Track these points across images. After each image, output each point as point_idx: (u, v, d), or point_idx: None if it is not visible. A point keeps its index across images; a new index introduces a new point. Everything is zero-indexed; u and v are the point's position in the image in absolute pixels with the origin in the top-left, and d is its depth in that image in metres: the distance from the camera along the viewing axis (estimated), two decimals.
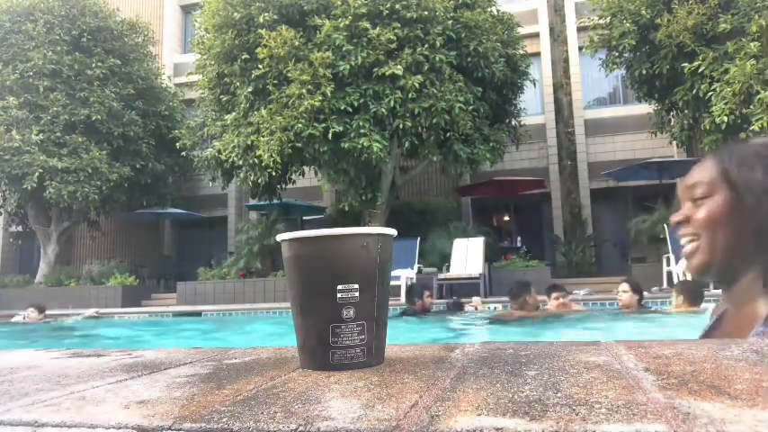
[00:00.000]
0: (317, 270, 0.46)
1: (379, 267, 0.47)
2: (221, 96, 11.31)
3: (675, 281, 8.35)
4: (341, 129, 9.74)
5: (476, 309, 7.23)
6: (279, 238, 0.49)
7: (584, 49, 13.07)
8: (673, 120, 11.53)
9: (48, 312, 8.69)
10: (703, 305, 4.96)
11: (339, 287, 0.45)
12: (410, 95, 9.74)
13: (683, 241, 1.02)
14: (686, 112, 10.50)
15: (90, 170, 12.81)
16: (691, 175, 1.04)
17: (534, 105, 14.83)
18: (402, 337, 5.42)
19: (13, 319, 8.77)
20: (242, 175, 10.95)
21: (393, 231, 0.51)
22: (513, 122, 12.68)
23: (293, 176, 12.38)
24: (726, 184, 0.95)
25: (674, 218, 1.02)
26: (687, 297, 4.99)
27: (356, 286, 0.45)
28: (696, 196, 1.00)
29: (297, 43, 9.90)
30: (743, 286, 0.92)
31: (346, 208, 11.19)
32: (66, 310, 10.39)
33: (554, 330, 5.32)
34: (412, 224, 12.15)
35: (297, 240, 0.46)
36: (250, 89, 10.40)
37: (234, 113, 10.72)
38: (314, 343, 0.45)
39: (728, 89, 8.81)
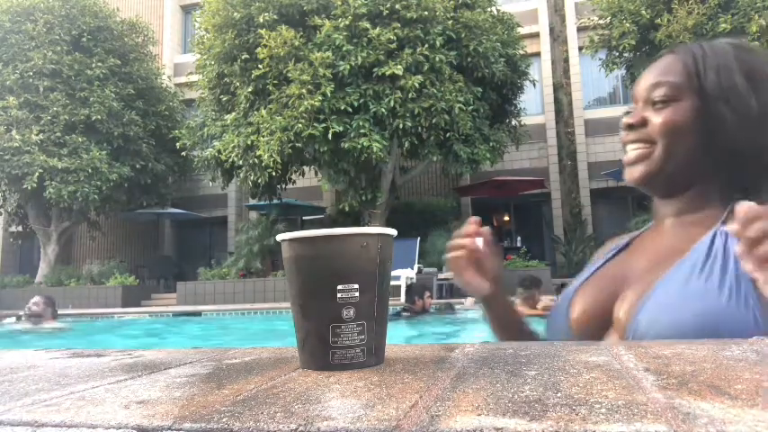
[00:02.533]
0: (316, 270, 0.46)
1: (379, 267, 0.47)
2: (221, 96, 11.32)
3: None
4: (341, 129, 9.74)
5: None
6: (279, 238, 0.49)
7: (584, 49, 13.08)
8: None
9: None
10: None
11: (339, 287, 0.45)
12: (410, 95, 9.74)
13: (629, 147, 0.87)
14: None
15: (90, 170, 12.81)
16: (651, 73, 0.89)
17: (534, 105, 14.83)
18: (402, 336, 5.42)
19: (5, 321, 8.71)
20: (242, 175, 10.95)
21: (393, 231, 0.51)
22: (513, 122, 12.69)
23: (293, 176, 12.39)
24: (695, 90, 0.84)
25: (628, 119, 0.87)
26: None
27: (356, 286, 0.45)
28: (656, 98, 0.86)
29: (297, 43, 9.90)
30: (690, 196, 0.85)
31: (346, 208, 11.20)
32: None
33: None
34: (412, 224, 12.15)
35: (296, 240, 0.47)
36: (250, 89, 10.41)
37: (234, 113, 10.72)
38: (314, 343, 0.45)
39: None
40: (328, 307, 0.44)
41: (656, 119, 0.84)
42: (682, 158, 0.83)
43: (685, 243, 0.79)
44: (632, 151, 0.86)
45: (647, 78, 0.89)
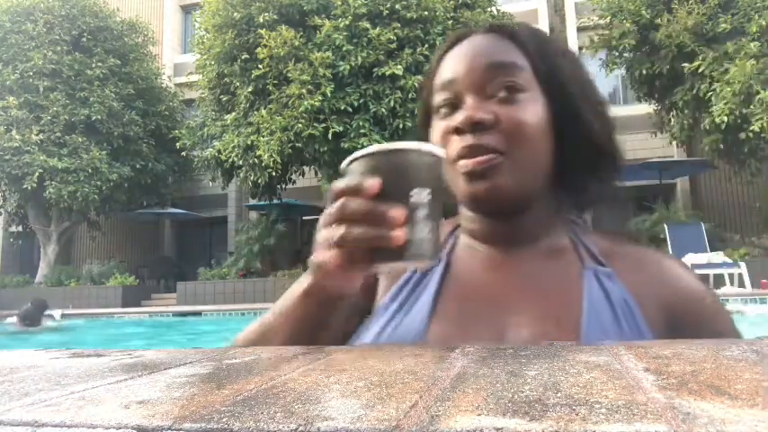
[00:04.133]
0: (394, 178, 0.50)
1: (441, 180, 0.53)
2: (221, 96, 11.32)
3: None
4: (341, 129, 9.75)
5: None
6: (352, 157, 0.52)
7: (584, 49, 13.07)
8: (673, 120, 11.54)
9: None
10: None
11: (414, 191, 0.49)
12: (410, 95, 9.75)
13: (465, 154, 0.62)
14: (686, 112, 10.51)
15: (90, 170, 12.82)
16: (480, 54, 0.66)
17: None
18: None
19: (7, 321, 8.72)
20: (242, 175, 10.96)
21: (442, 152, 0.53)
22: None
23: (293, 176, 12.39)
24: (539, 83, 0.65)
25: (478, 115, 0.61)
26: None
27: (428, 191, 0.50)
28: (499, 86, 0.64)
29: (297, 43, 9.90)
30: (530, 218, 0.67)
31: None
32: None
33: None
34: None
35: (376, 154, 0.51)
36: (250, 89, 10.41)
37: (234, 113, 10.73)
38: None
39: (728, 89, 8.82)
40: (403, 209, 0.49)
41: (509, 117, 0.62)
42: (538, 171, 0.65)
43: (558, 280, 0.66)
44: (473, 160, 0.62)
45: (479, 59, 0.65)
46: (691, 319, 0.64)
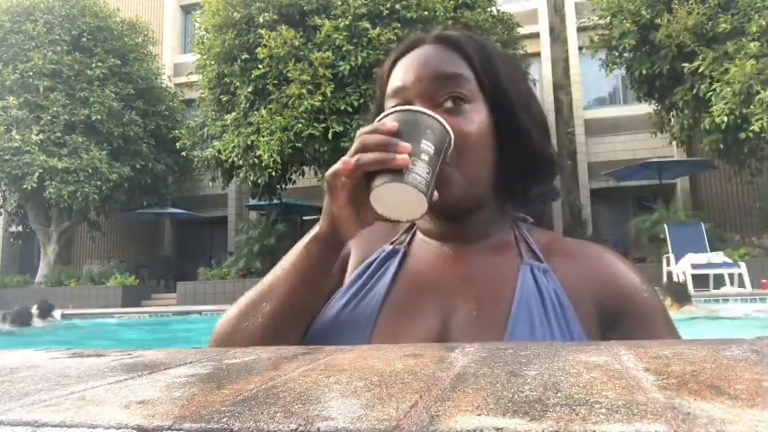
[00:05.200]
0: (407, 127, 0.62)
1: (448, 145, 0.65)
2: (221, 96, 11.32)
3: (675, 280, 8.36)
4: (341, 129, 9.75)
5: None
6: (381, 115, 0.64)
7: (584, 49, 13.09)
8: (673, 120, 11.54)
9: None
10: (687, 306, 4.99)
11: (421, 141, 0.60)
12: None
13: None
14: (686, 112, 10.51)
15: (90, 170, 12.82)
16: (427, 63, 0.70)
17: None
18: None
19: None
20: (242, 175, 10.96)
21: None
22: None
23: (293, 176, 12.39)
24: (484, 91, 0.69)
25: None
26: (674, 298, 5.02)
27: (433, 146, 0.61)
28: (445, 96, 0.67)
29: (297, 43, 9.90)
30: (479, 218, 0.72)
31: None
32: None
33: None
34: None
35: (395, 112, 0.62)
36: (250, 89, 10.41)
37: (234, 113, 10.73)
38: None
39: (728, 89, 8.82)
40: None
41: (457, 128, 0.64)
42: (484, 176, 0.69)
43: (497, 274, 0.69)
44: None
45: (427, 69, 0.69)
46: (627, 317, 0.66)
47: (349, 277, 0.77)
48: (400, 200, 0.58)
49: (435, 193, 0.61)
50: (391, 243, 0.79)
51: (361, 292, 0.73)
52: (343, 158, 0.59)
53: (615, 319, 0.66)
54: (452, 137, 0.62)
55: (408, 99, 0.69)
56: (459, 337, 0.65)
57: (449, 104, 0.68)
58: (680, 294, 5.10)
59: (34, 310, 8.91)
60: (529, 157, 0.72)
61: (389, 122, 0.60)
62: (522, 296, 0.65)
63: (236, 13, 10.51)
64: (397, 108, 0.63)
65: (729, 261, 9.09)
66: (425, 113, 0.61)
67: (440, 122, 0.61)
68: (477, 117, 0.68)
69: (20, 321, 7.76)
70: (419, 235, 0.79)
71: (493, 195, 0.73)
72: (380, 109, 0.76)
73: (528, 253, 0.72)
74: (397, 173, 0.56)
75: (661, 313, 0.68)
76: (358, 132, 0.60)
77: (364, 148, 0.58)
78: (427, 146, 0.59)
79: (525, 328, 0.62)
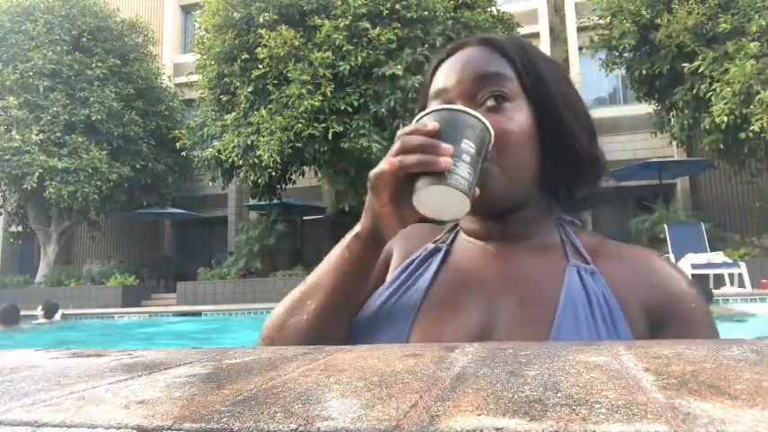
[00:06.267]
0: (447, 128, 0.61)
1: (488, 143, 0.64)
2: (221, 96, 11.33)
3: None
4: (341, 129, 9.75)
5: None
6: (421, 114, 0.63)
7: (584, 49, 13.09)
8: (673, 120, 11.54)
9: None
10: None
11: (462, 141, 0.59)
12: (410, 96, 9.75)
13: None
14: (686, 112, 10.51)
15: (90, 170, 12.83)
16: (469, 64, 0.71)
17: None
18: None
19: None
20: (242, 175, 10.97)
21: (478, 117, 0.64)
22: None
23: (293, 176, 12.39)
24: (525, 90, 0.70)
25: None
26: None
27: (474, 146, 0.60)
28: (487, 95, 0.68)
29: (297, 43, 9.91)
30: (524, 217, 0.72)
31: (346, 208, 11.20)
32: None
33: None
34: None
35: (436, 111, 0.61)
36: (250, 89, 10.41)
37: (234, 113, 10.73)
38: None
39: (728, 89, 8.82)
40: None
41: (496, 125, 0.64)
42: (526, 175, 0.69)
43: (542, 274, 0.69)
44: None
45: (469, 69, 0.70)
46: (673, 322, 0.65)
47: (391, 275, 0.78)
48: (443, 201, 0.58)
49: (476, 190, 0.62)
50: (434, 242, 0.80)
51: (402, 288, 0.73)
52: (386, 158, 0.60)
53: (662, 324, 0.65)
54: (492, 134, 0.62)
55: (450, 100, 0.70)
56: (503, 335, 0.65)
57: (490, 103, 0.68)
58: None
59: (39, 310, 8.93)
60: (573, 157, 0.72)
61: (431, 123, 0.60)
62: (568, 297, 0.65)
63: (236, 13, 10.51)
64: (437, 107, 0.62)
65: (729, 261, 9.08)
66: (465, 112, 0.61)
67: (480, 120, 0.61)
68: (518, 115, 0.68)
69: (7, 321, 7.65)
70: (462, 234, 0.79)
71: (537, 195, 0.73)
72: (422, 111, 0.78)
73: (574, 254, 0.71)
74: (440, 175, 0.57)
75: (707, 321, 0.68)
76: (399, 132, 0.61)
77: (406, 150, 0.58)
78: (468, 145, 0.59)
79: (571, 329, 0.62)
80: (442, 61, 0.76)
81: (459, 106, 0.62)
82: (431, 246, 0.78)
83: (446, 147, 0.57)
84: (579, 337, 0.61)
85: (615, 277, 0.68)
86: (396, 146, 0.59)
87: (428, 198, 0.58)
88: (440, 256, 0.76)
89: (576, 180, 0.75)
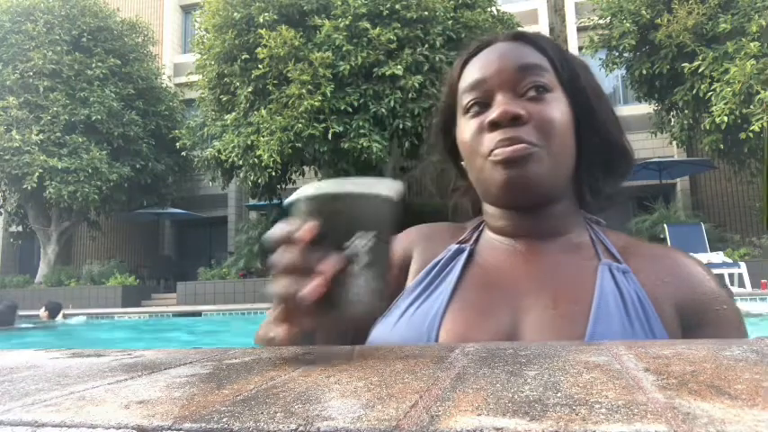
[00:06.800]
0: (336, 224, 0.47)
1: (389, 223, 0.49)
2: (221, 96, 11.33)
3: None
4: (341, 129, 9.75)
5: None
6: (295, 196, 0.49)
7: (584, 49, 13.08)
8: (673, 120, 11.54)
9: None
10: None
11: (358, 233, 0.46)
12: (410, 96, 9.75)
13: (503, 143, 0.64)
14: (686, 112, 10.51)
15: (90, 170, 12.83)
16: (508, 57, 0.70)
17: None
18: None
19: None
20: (242, 175, 10.97)
21: (392, 191, 0.51)
22: None
23: (293, 176, 12.40)
24: (561, 82, 0.70)
25: (516, 109, 0.65)
26: None
27: (373, 233, 0.47)
28: (528, 85, 0.68)
29: (297, 43, 9.90)
30: (557, 211, 0.71)
31: None
32: None
33: None
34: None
35: (310, 198, 0.48)
36: (250, 89, 10.42)
37: (234, 113, 10.73)
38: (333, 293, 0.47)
39: (728, 89, 8.82)
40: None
41: (540, 113, 0.66)
42: (567, 166, 0.69)
43: (573, 272, 0.68)
44: (511, 148, 0.64)
45: (508, 61, 0.69)
46: (706, 322, 0.65)
47: (412, 281, 0.75)
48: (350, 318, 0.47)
49: (521, 169, 0.61)
50: (458, 242, 0.77)
51: (426, 292, 0.71)
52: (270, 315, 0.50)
53: (694, 324, 0.65)
54: (394, 196, 0.49)
55: (490, 89, 0.69)
56: (536, 335, 0.63)
57: (532, 93, 0.68)
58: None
59: (42, 311, 8.94)
60: (606, 150, 0.72)
61: (304, 228, 0.46)
62: (601, 295, 0.64)
63: (236, 13, 10.51)
64: (312, 192, 0.48)
65: (729, 261, 9.08)
66: (349, 194, 0.46)
67: (373, 195, 0.47)
68: (558, 105, 0.68)
69: (1, 321, 7.63)
70: (488, 233, 0.77)
71: (570, 191, 0.72)
72: (448, 108, 0.77)
73: (605, 253, 0.70)
74: (331, 303, 0.46)
75: (738, 322, 0.67)
76: (270, 235, 0.50)
77: (283, 271, 0.48)
78: (362, 242, 0.46)
79: (606, 327, 0.61)
80: (469, 58, 0.75)
81: (339, 187, 0.47)
82: (454, 246, 0.76)
83: (324, 267, 0.45)
84: (614, 335, 0.60)
85: (647, 276, 0.67)
86: (272, 265, 0.49)
87: (332, 323, 0.48)
88: (464, 256, 0.73)
89: (608, 174, 0.74)
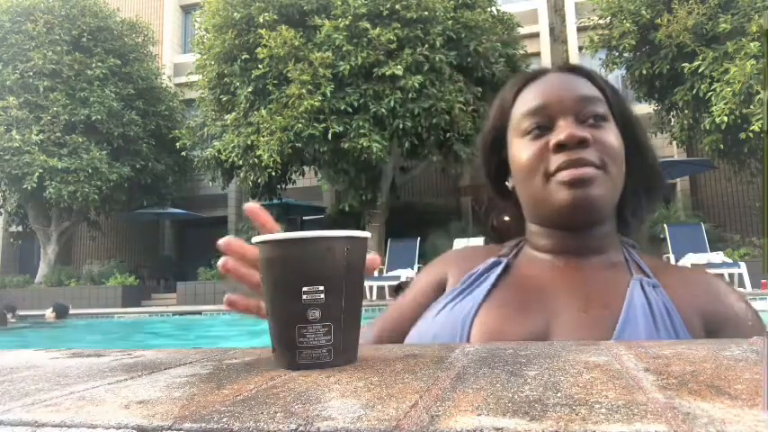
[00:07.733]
0: (283, 272, 0.47)
1: (346, 270, 0.47)
2: (221, 96, 11.32)
3: None
4: (341, 129, 9.75)
5: None
6: (253, 240, 0.50)
7: (584, 49, 13.08)
8: (673, 120, 11.53)
9: None
10: None
11: (304, 289, 0.45)
12: (410, 96, 9.74)
13: (569, 165, 0.69)
14: (686, 112, 10.51)
15: (90, 170, 12.82)
16: (569, 87, 0.75)
17: None
18: None
19: None
20: (242, 175, 10.96)
21: (366, 234, 0.51)
22: None
23: (293, 176, 12.39)
24: (613, 115, 0.76)
25: (582, 133, 0.69)
26: None
27: (321, 288, 0.46)
28: (589, 114, 0.73)
29: (297, 43, 9.90)
30: (601, 231, 0.75)
31: (346, 208, 11.20)
32: None
33: None
34: (412, 224, 12.15)
35: (267, 243, 0.48)
36: (250, 89, 10.41)
37: (234, 113, 10.73)
38: (283, 342, 0.47)
39: (728, 89, 8.81)
40: (295, 308, 0.45)
41: (604, 138, 0.71)
42: (619, 190, 0.74)
43: (606, 284, 0.72)
44: (579, 170, 0.69)
45: (569, 90, 0.75)
46: (730, 335, 0.67)
47: (455, 277, 0.80)
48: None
49: (586, 190, 0.67)
50: (497, 256, 0.81)
51: (463, 294, 0.75)
52: None
53: (719, 337, 0.67)
54: (367, 240, 0.50)
55: (552, 115, 0.74)
56: (565, 335, 0.66)
57: (591, 121, 0.73)
58: None
59: (50, 312, 8.95)
60: (650, 179, 0.80)
61: (230, 298, 0.54)
62: (630, 303, 0.67)
63: (236, 13, 10.51)
64: (270, 237, 0.48)
65: (729, 261, 9.08)
66: (305, 240, 0.46)
67: (329, 239, 0.47)
68: (615, 133, 0.74)
69: None
70: (528, 249, 0.81)
71: (613, 213, 0.77)
72: (496, 131, 0.82)
73: (638, 271, 0.74)
74: (287, 356, 0.45)
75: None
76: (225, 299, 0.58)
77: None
78: (316, 292, 0.46)
79: (633, 333, 0.64)
80: (524, 85, 0.80)
81: (294, 235, 0.47)
82: (492, 259, 0.79)
83: (270, 318, 0.48)
84: (641, 339, 0.63)
85: (676, 291, 0.70)
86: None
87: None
88: (501, 267, 0.77)
89: (649, 199, 0.81)
